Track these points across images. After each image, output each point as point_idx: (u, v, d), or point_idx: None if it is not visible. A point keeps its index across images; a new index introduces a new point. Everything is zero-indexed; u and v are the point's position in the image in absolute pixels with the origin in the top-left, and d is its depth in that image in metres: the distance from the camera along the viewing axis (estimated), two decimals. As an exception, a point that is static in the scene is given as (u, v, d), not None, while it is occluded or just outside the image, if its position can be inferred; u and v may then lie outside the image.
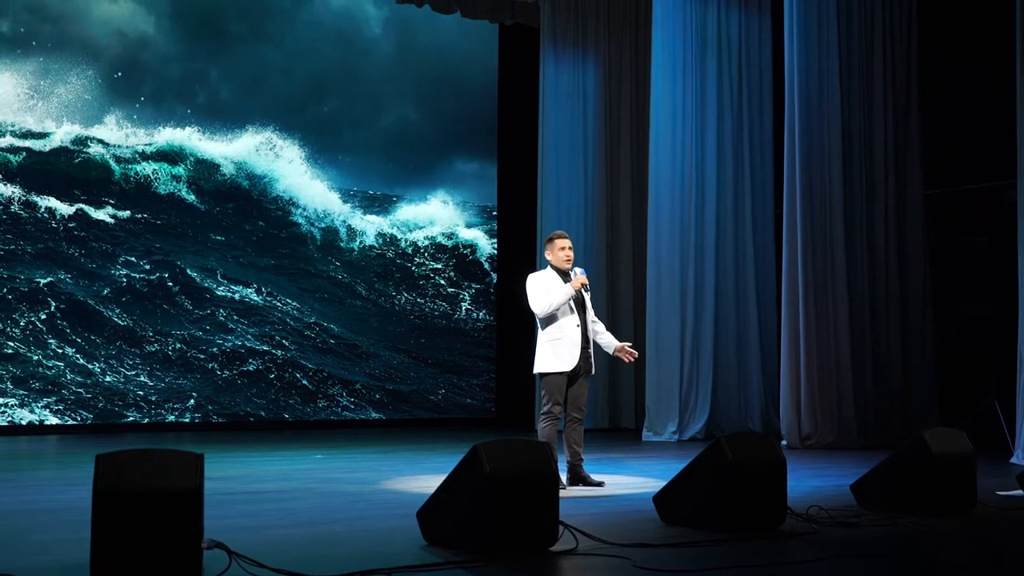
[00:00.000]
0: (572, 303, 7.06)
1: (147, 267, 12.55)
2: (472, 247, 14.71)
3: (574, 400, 7.10)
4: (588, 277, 7.24)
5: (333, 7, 13.98)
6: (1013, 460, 9.23)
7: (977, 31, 11.73)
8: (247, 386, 12.94)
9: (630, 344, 7.36)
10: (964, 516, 5.91)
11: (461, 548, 4.60)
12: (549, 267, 7.23)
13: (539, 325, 7.12)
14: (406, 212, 14.26)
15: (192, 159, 12.95)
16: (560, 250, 7.22)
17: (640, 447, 11.23)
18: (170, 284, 12.66)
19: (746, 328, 12.57)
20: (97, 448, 4.40)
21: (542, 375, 7.07)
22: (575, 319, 7.04)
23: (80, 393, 11.95)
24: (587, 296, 7.22)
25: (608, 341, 7.28)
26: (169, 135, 12.82)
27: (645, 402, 12.29)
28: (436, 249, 14.50)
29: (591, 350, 7.16)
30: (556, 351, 7.00)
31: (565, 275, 7.17)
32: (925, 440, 5.91)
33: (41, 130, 12.14)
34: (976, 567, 4.63)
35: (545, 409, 7.01)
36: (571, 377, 7.04)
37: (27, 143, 12.06)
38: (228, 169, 13.16)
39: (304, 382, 13.32)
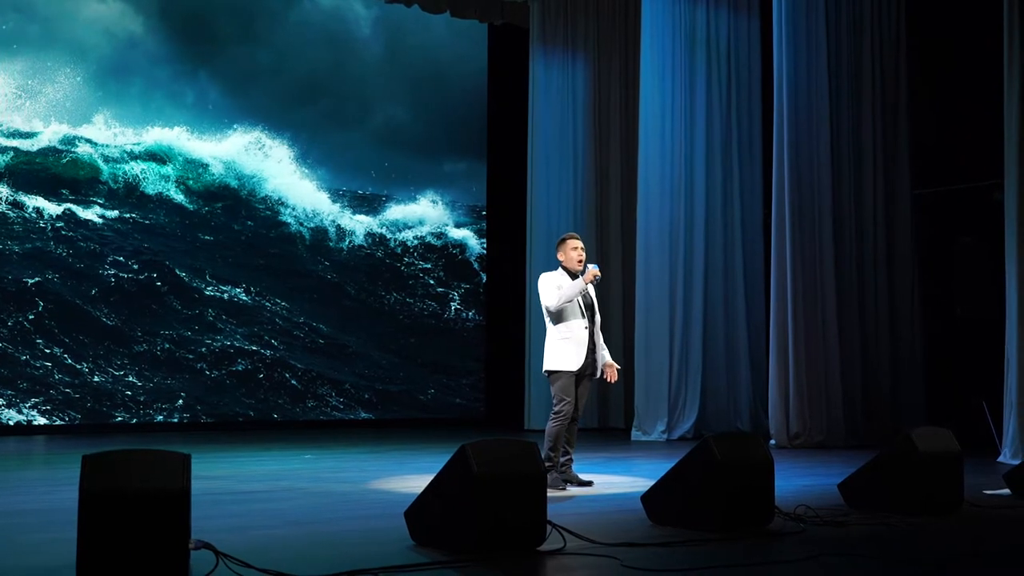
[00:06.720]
0: (582, 306, 7.10)
1: (135, 267, 12.51)
2: (461, 247, 14.71)
3: (575, 401, 7.15)
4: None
5: (322, 7, 13.96)
6: (1000, 459, 9.27)
7: (965, 30, 11.77)
8: (236, 386, 12.92)
9: (619, 367, 7.40)
10: (951, 515, 5.93)
11: (449, 548, 4.60)
12: (560, 268, 7.25)
13: (549, 323, 7.15)
14: (395, 212, 14.25)
15: (181, 159, 12.92)
16: (572, 250, 7.24)
17: (629, 446, 11.25)
18: (159, 284, 12.63)
19: (735, 328, 12.59)
20: (85, 448, 4.38)
21: (550, 373, 7.11)
22: (584, 321, 7.09)
23: (68, 393, 11.91)
24: (596, 302, 7.27)
25: (601, 354, 7.31)
26: (158, 135, 12.78)
27: (634, 402, 12.31)
28: (425, 249, 14.48)
29: (596, 354, 7.19)
30: (564, 350, 7.05)
31: (576, 277, 7.19)
32: (913, 439, 5.94)
33: (29, 130, 12.10)
34: (963, 566, 4.65)
35: (556, 408, 7.04)
36: (577, 378, 7.08)
37: (15, 143, 12.01)
38: (217, 169, 13.13)
39: (293, 382, 13.30)
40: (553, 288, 7.11)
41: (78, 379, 12.00)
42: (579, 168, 13.86)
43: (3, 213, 11.86)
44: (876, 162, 11.96)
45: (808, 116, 11.46)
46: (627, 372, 12.48)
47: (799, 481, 7.64)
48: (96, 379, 12.09)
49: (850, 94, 11.84)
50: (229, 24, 13.40)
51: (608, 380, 7.28)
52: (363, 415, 13.75)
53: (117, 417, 12.13)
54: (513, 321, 13.85)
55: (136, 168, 12.66)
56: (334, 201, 13.85)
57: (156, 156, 12.79)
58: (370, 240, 14.10)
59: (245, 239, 13.29)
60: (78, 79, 12.34)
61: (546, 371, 7.16)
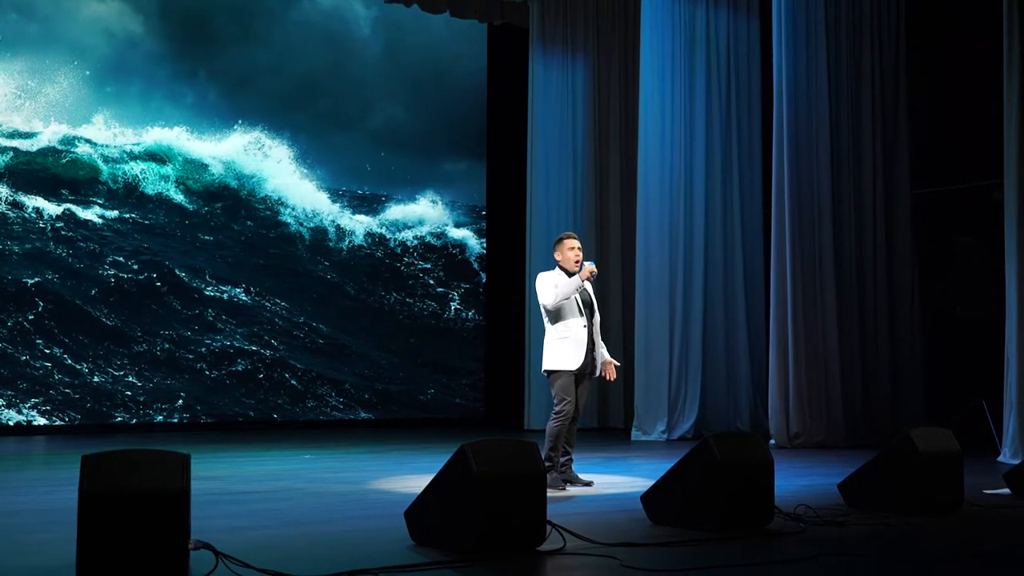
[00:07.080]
0: (580, 305, 7.09)
1: (135, 267, 12.51)
2: (461, 247, 14.70)
3: (575, 400, 7.15)
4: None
5: (322, 7, 13.96)
6: (1000, 459, 9.28)
7: (965, 30, 11.77)
8: (235, 386, 12.91)
9: (618, 365, 7.40)
10: (951, 515, 5.93)
11: (449, 548, 4.59)
12: (558, 268, 7.25)
13: (547, 322, 7.15)
14: (395, 212, 14.24)
15: (180, 159, 12.91)
16: (569, 250, 7.25)
17: (629, 446, 11.24)
18: (158, 284, 12.62)
19: (735, 328, 12.59)
20: (85, 449, 4.38)
21: (550, 372, 7.10)
22: (582, 320, 7.08)
23: (68, 394, 11.91)
24: (595, 301, 7.26)
25: (600, 352, 7.30)
26: (157, 135, 12.78)
27: (634, 402, 12.31)
28: (425, 249, 14.48)
29: (595, 353, 7.18)
30: (564, 349, 7.05)
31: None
32: (912, 439, 5.94)
33: (28, 130, 12.09)
34: (962, 566, 4.65)
35: (557, 408, 7.04)
36: (577, 378, 7.07)
37: (14, 143, 12.01)
38: (216, 169, 13.12)
39: (293, 382, 13.30)
40: (550, 287, 7.10)
41: (78, 379, 12.00)
42: (579, 167, 13.86)
43: (3, 213, 11.86)
44: (876, 162, 11.96)
45: (808, 116, 11.46)
46: (627, 372, 12.50)
47: (799, 481, 7.64)
48: (96, 379, 12.09)
49: (850, 94, 11.84)
50: (229, 24, 13.39)
51: (607, 378, 7.29)
52: (363, 415, 13.75)
53: (117, 417, 12.13)
54: (513, 321, 13.84)
55: (136, 168, 12.66)
56: (334, 201, 13.84)
57: (156, 156, 12.79)
58: (370, 240, 14.10)
59: (245, 239, 13.28)
60: (78, 79, 12.34)
61: (546, 371, 7.16)
